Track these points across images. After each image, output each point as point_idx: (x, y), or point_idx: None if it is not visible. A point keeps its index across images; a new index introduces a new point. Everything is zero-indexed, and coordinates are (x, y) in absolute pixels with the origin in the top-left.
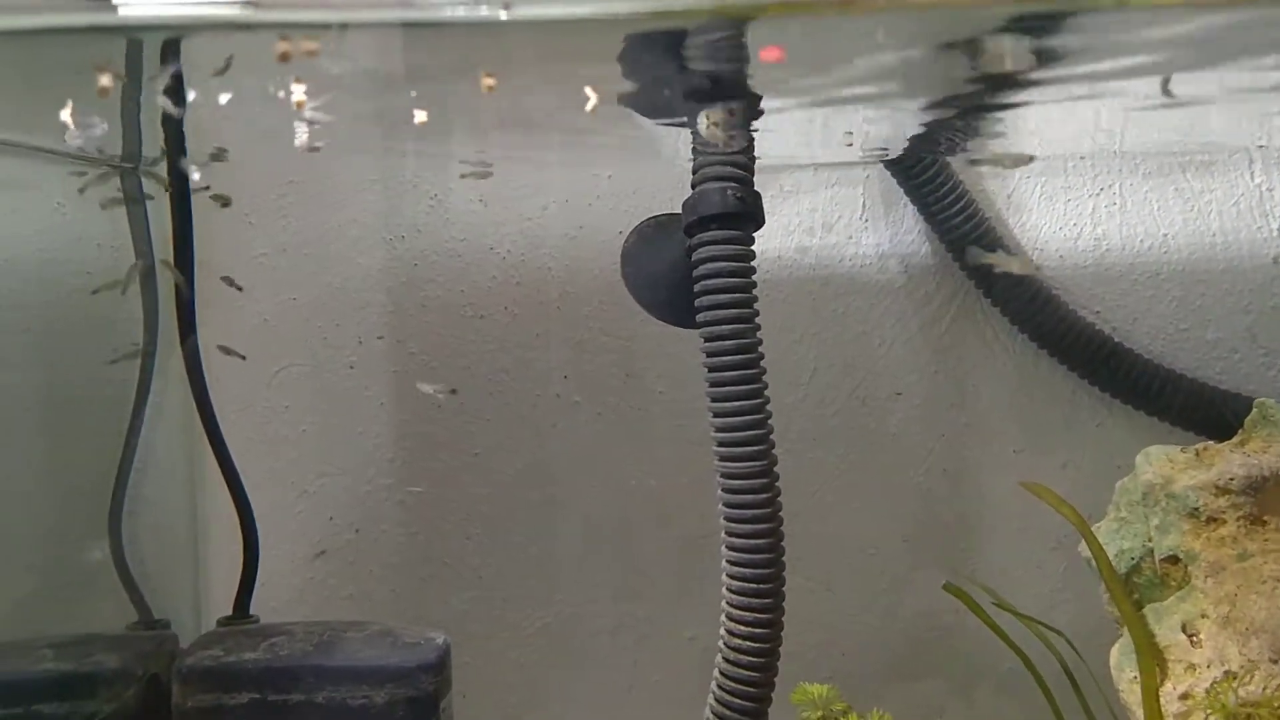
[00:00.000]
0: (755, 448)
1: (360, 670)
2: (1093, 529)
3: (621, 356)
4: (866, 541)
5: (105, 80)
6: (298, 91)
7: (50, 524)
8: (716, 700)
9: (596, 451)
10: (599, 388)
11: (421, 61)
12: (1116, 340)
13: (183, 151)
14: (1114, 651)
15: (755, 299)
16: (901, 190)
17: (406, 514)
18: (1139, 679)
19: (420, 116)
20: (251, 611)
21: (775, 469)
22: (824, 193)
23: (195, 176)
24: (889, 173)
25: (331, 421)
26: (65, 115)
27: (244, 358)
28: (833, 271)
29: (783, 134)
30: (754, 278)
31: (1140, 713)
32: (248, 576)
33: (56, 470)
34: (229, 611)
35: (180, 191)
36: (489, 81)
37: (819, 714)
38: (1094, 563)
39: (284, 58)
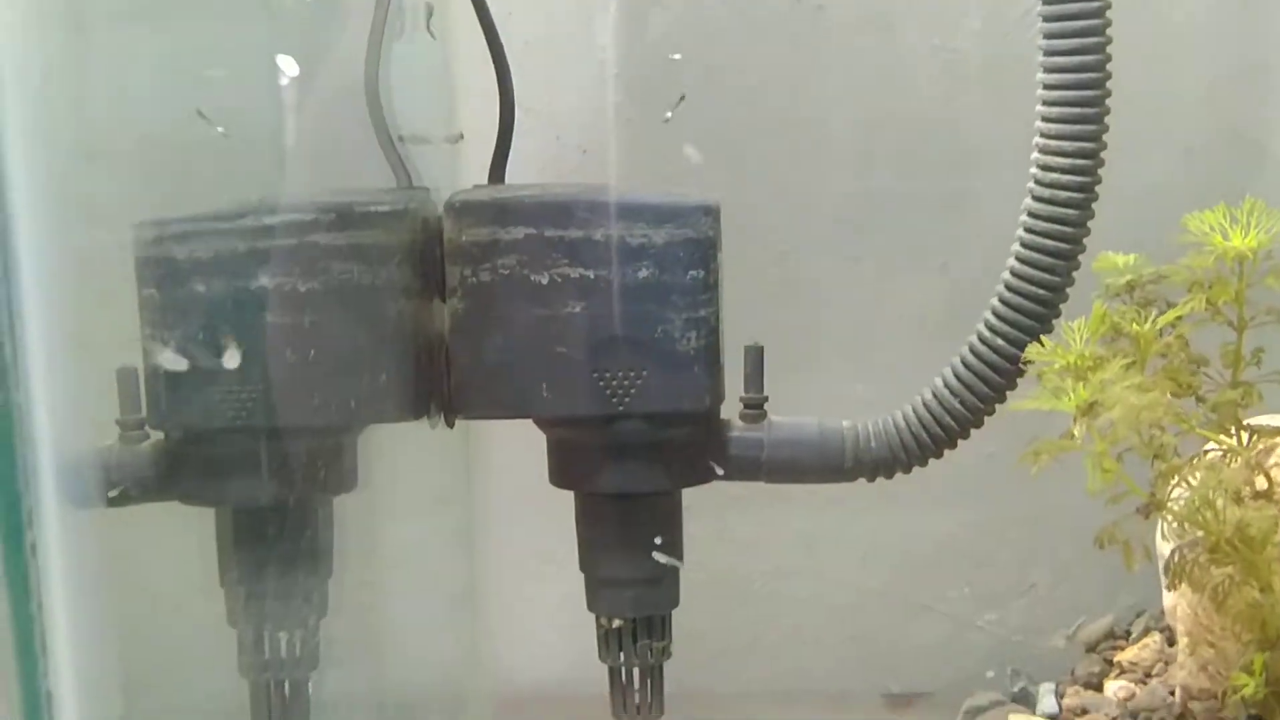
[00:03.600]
0: None
1: (638, 207)
2: None
3: None
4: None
5: None
6: None
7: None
8: (1023, 244)
9: (841, 66)
10: None
11: None
12: None
13: None
14: None
15: None
16: None
17: (635, 134)
18: None
19: None
20: None
21: None
22: None
23: None
24: None
25: (557, 33)
26: None
27: None
28: None
29: None
30: None
31: None
32: (503, 144)
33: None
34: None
35: None
36: None
37: (1125, 279)
38: None
39: None
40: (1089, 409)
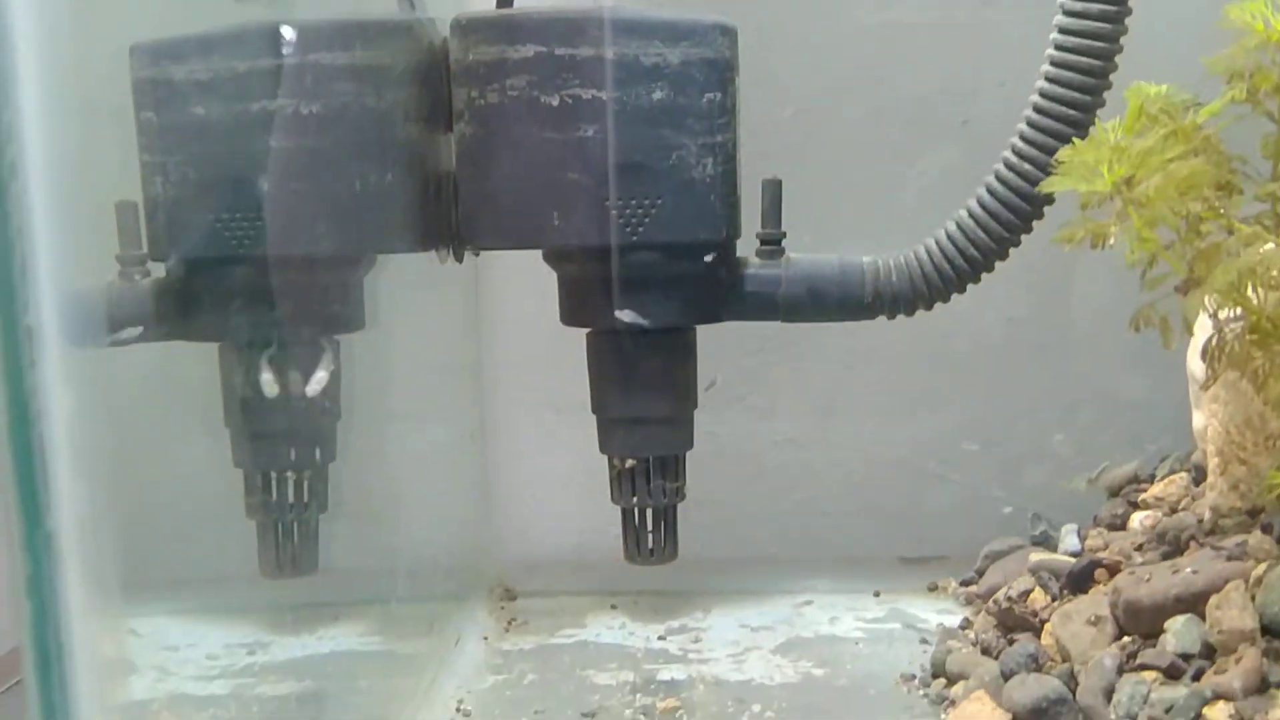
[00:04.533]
0: None
1: (653, 24)
2: None
3: None
4: None
5: None
6: None
7: None
8: (1053, 63)
9: None
10: None
11: None
12: None
13: None
14: None
15: None
16: None
17: None
18: None
19: None
20: None
21: None
22: None
23: None
24: None
25: None
26: None
27: None
28: None
29: None
30: None
31: None
32: None
33: None
34: None
35: None
36: None
37: (1159, 105)
38: None
39: None
40: (1127, 182)
